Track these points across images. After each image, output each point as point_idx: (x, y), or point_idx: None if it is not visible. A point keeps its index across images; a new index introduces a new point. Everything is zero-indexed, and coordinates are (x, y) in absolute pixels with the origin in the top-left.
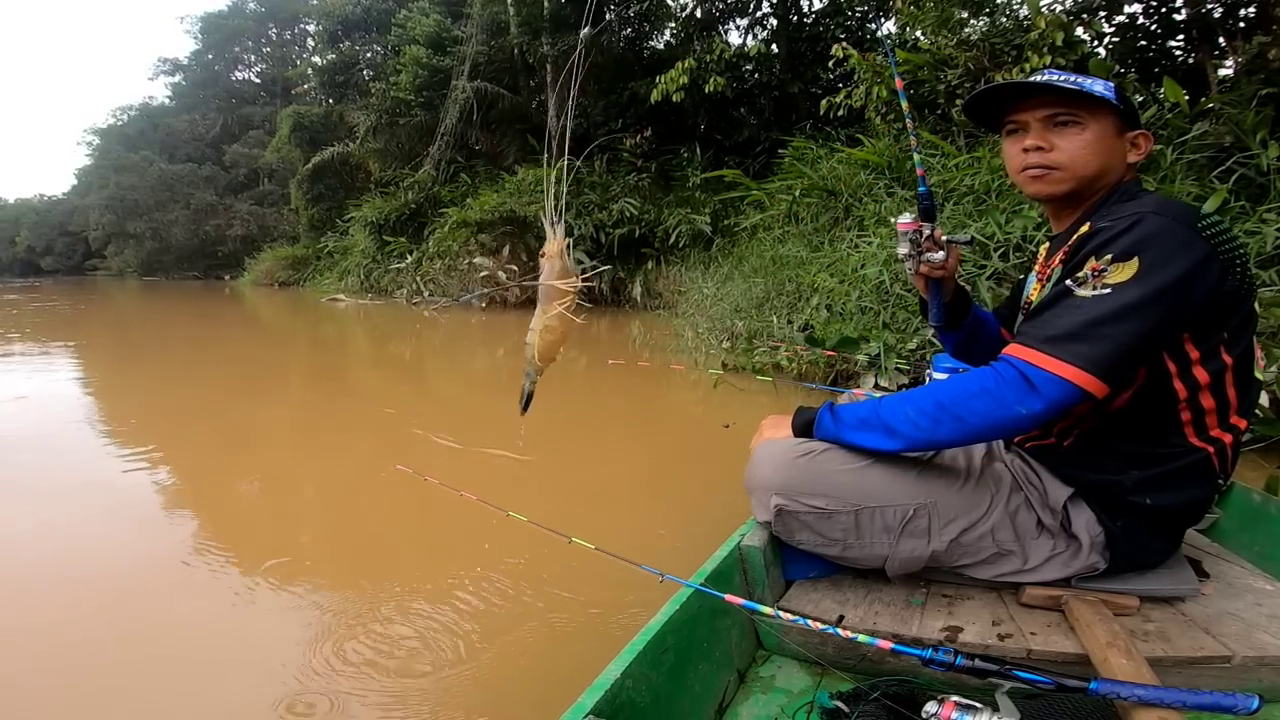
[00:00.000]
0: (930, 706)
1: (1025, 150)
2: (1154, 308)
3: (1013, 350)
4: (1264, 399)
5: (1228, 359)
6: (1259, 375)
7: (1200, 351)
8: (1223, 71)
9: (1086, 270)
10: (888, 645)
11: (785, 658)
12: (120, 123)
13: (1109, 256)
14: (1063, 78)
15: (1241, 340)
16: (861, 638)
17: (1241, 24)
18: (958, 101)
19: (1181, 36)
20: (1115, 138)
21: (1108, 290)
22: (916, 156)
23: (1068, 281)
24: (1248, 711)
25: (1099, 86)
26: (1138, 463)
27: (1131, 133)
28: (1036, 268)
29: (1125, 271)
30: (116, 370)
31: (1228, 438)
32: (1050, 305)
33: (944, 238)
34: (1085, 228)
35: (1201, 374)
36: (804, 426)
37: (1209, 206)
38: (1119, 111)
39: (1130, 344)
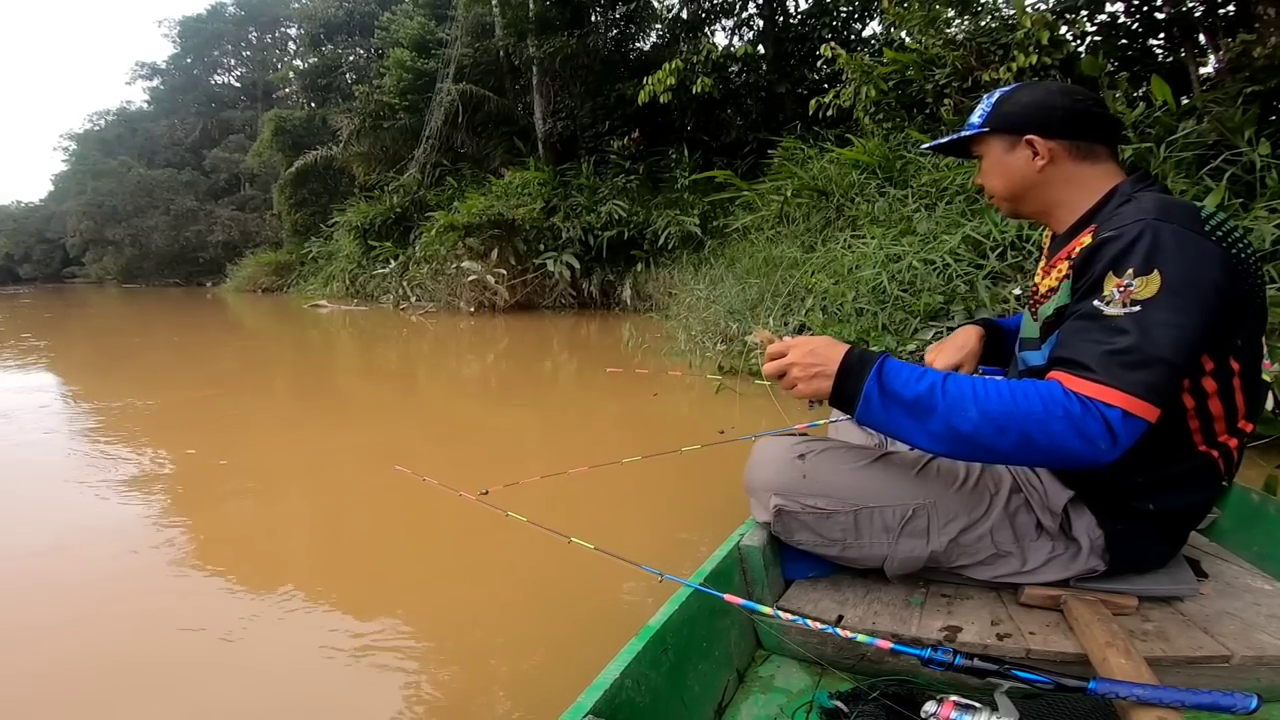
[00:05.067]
0: (929, 706)
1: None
2: (1191, 319)
3: (1081, 386)
4: (1267, 401)
5: (1235, 365)
6: (1265, 376)
7: (1214, 362)
8: (1204, 70)
9: (1111, 289)
10: (887, 645)
11: (784, 657)
12: (97, 128)
13: (1130, 271)
14: (958, 133)
15: (1252, 344)
16: (861, 637)
17: (1222, 22)
18: (946, 101)
19: (1162, 35)
20: (1006, 154)
21: (1138, 308)
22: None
23: (1095, 303)
24: (1246, 711)
25: (975, 118)
26: (1143, 468)
27: (1018, 141)
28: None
29: (1150, 286)
30: (99, 376)
31: (1234, 442)
32: (1084, 332)
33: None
34: (1089, 238)
35: (1210, 383)
36: (845, 402)
37: (1208, 205)
38: (995, 131)
39: (1181, 364)
